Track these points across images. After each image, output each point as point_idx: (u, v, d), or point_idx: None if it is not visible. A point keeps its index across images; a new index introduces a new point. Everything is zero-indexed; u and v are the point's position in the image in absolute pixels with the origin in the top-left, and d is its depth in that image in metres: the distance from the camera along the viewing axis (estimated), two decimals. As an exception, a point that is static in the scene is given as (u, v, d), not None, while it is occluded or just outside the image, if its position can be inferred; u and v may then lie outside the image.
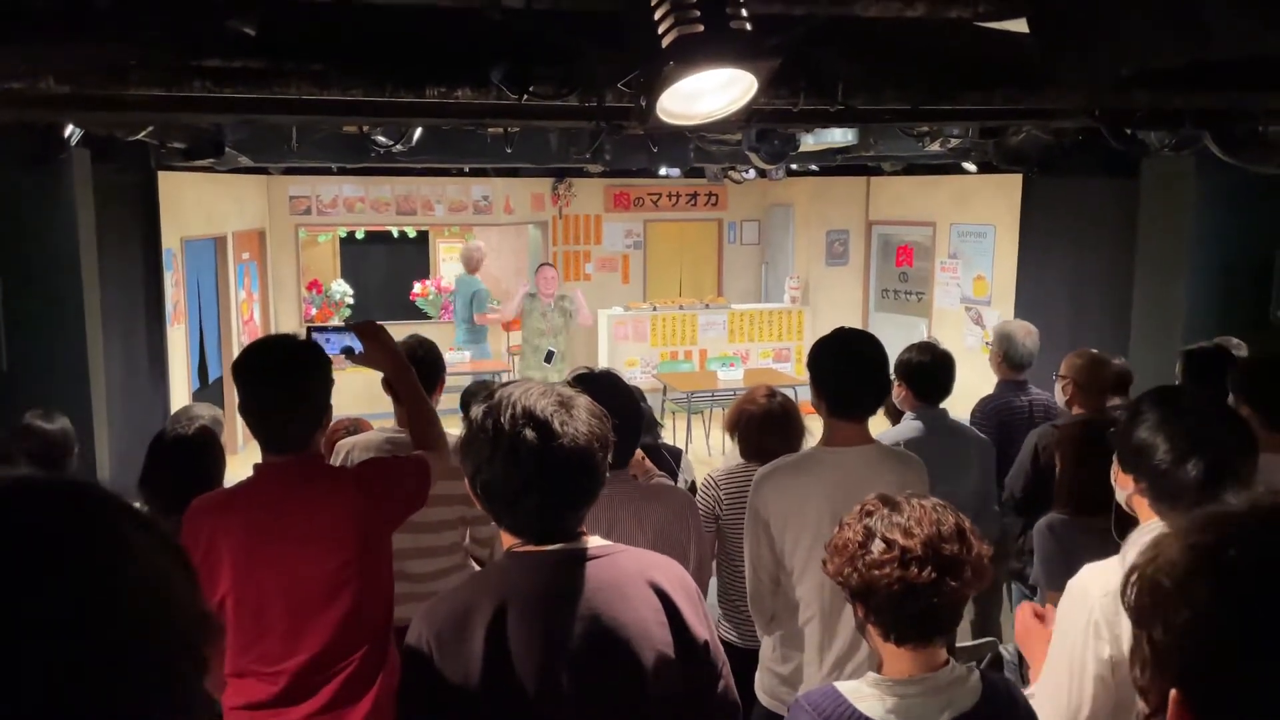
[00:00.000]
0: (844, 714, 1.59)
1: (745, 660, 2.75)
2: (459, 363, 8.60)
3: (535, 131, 6.21)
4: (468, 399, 4.31)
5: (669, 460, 3.83)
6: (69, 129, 4.53)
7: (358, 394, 5.65)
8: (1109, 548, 1.96)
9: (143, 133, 4.84)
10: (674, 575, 1.73)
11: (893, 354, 2.83)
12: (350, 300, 11.40)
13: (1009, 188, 8.51)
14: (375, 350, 2.56)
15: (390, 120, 5.00)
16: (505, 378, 8.38)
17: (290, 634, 2.19)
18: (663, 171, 8.68)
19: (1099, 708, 1.77)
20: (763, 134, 5.59)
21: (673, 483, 3.14)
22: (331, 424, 3.37)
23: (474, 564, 3.23)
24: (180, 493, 2.52)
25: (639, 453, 2.89)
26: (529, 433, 1.58)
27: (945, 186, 9.61)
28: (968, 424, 4.11)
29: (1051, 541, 2.86)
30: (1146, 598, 0.89)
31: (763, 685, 2.73)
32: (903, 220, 10.52)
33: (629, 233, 11.31)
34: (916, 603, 1.57)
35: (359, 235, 11.94)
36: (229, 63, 2.98)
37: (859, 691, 1.62)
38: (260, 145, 6.09)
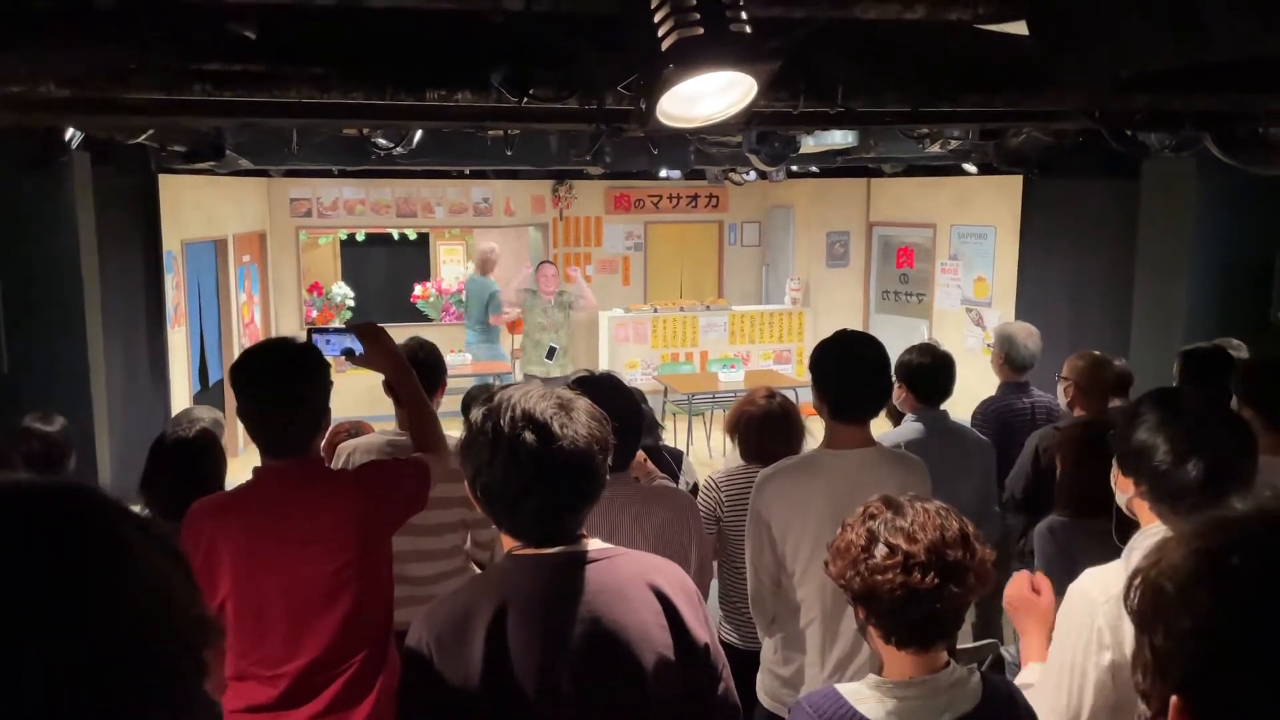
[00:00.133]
0: (844, 716, 1.59)
1: (746, 662, 2.75)
2: (461, 364, 8.62)
3: (535, 134, 6.21)
4: (469, 402, 4.30)
5: (670, 462, 3.82)
6: (69, 132, 4.53)
7: (358, 396, 5.65)
8: (1109, 550, 1.96)
9: (143, 136, 4.85)
10: (674, 578, 1.73)
11: (893, 355, 2.83)
12: (351, 302, 11.41)
13: (1009, 189, 8.52)
14: (375, 352, 2.55)
15: (391, 123, 5.01)
16: (511, 379, 8.43)
17: (291, 636, 2.19)
18: (663, 173, 8.68)
19: (1097, 711, 1.77)
20: (763, 136, 5.59)
21: (674, 485, 3.14)
22: (333, 427, 3.38)
23: (474, 568, 3.23)
24: (181, 495, 2.52)
25: (641, 454, 2.89)
26: (529, 435, 1.58)
27: (945, 188, 9.61)
28: (968, 425, 4.11)
29: (1052, 544, 2.86)
30: (1149, 602, 0.89)
31: (764, 687, 2.73)
32: (903, 222, 10.52)
33: (629, 234, 11.32)
34: (919, 608, 1.57)
35: (359, 237, 11.94)
36: (229, 66, 2.99)
37: (859, 693, 1.62)
38: (261, 148, 6.10)
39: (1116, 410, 3.81)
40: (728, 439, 3.65)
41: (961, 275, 9.64)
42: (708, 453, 8.88)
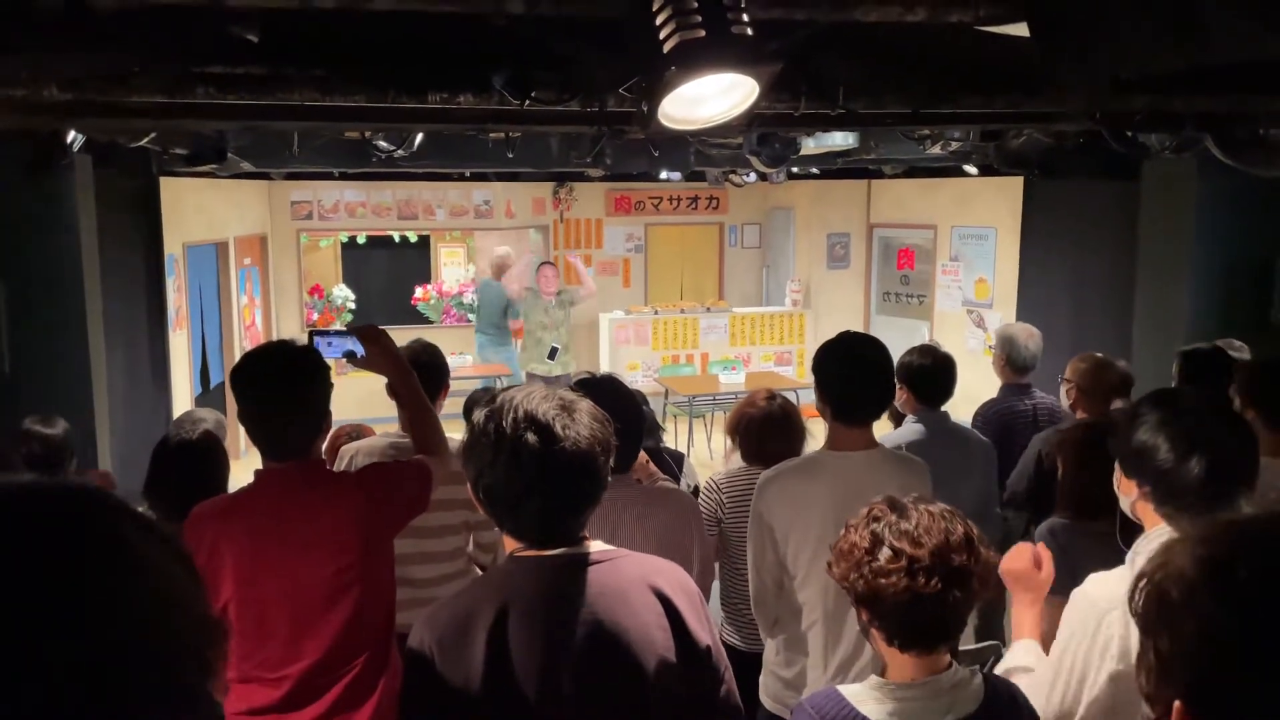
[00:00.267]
0: (846, 717, 1.59)
1: (749, 663, 2.75)
2: (461, 366, 8.64)
3: (536, 136, 6.22)
4: (471, 405, 4.30)
5: (671, 464, 3.82)
6: (71, 135, 4.53)
7: (360, 399, 5.66)
8: (1110, 551, 1.96)
9: (145, 139, 4.86)
10: (676, 580, 1.73)
11: (894, 357, 2.83)
12: (352, 305, 11.40)
13: (1010, 190, 8.51)
14: (377, 354, 2.55)
15: (392, 125, 5.01)
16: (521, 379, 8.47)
17: (293, 639, 2.19)
18: (663, 175, 8.68)
19: (1092, 715, 1.77)
20: (764, 138, 5.59)
21: (676, 486, 3.14)
22: (334, 429, 3.38)
23: (476, 570, 3.22)
24: (185, 497, 2.52)
25: (643, 456, 2.89)
26: (531, 436, 1.58)
27: (946, 189, 9.60)
28: (969, 427, 4.10)
29: (1053, 545, 2.85)
30: (1153, 606, 0.89)
31: (766, 689, 2.72)
32: (904, 223, 10.52)
33: (630, 236, 11.32)
34: (922, 611, 1.57)
35: (360, 240, 11.93)
36: (231, 69, 2.99)
37: (861, 695, 1.62)
38: (262, 151, 6.10)
39: (1118, 412, 3.81)
40: (728, 440, 3.65)
41: (962, 277, 9.64)
42: (709, 454, 8.88)
